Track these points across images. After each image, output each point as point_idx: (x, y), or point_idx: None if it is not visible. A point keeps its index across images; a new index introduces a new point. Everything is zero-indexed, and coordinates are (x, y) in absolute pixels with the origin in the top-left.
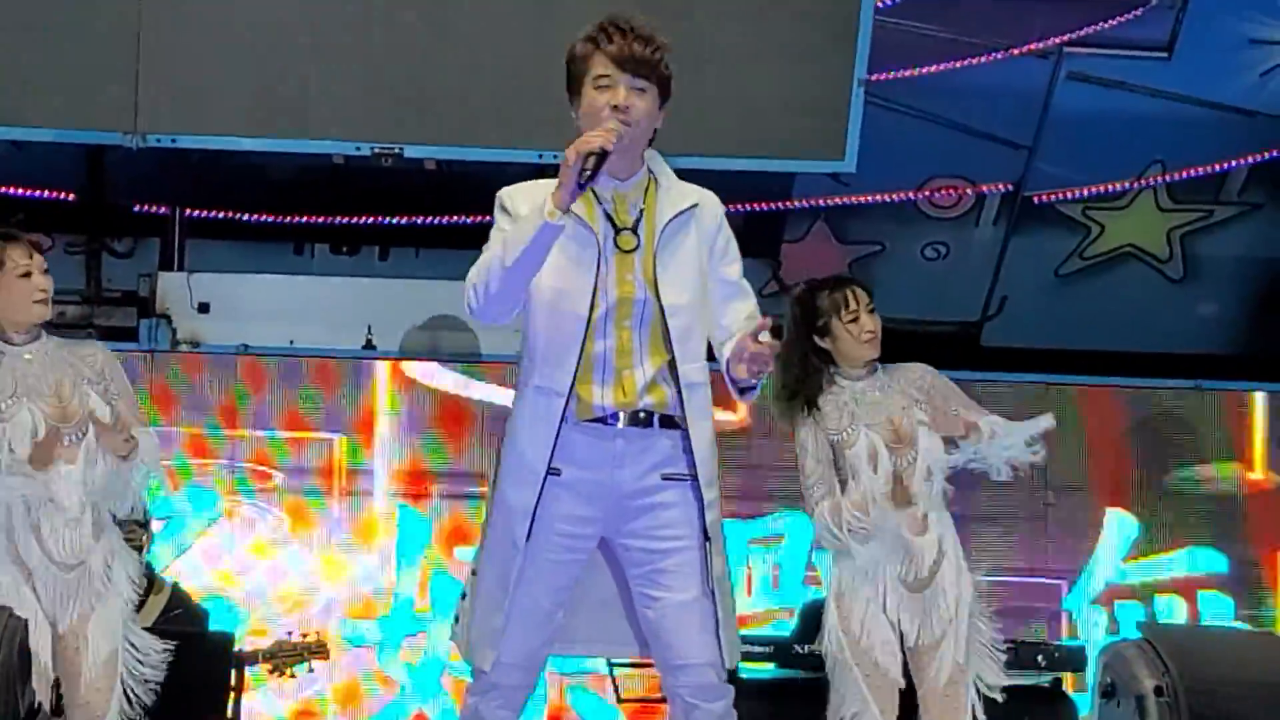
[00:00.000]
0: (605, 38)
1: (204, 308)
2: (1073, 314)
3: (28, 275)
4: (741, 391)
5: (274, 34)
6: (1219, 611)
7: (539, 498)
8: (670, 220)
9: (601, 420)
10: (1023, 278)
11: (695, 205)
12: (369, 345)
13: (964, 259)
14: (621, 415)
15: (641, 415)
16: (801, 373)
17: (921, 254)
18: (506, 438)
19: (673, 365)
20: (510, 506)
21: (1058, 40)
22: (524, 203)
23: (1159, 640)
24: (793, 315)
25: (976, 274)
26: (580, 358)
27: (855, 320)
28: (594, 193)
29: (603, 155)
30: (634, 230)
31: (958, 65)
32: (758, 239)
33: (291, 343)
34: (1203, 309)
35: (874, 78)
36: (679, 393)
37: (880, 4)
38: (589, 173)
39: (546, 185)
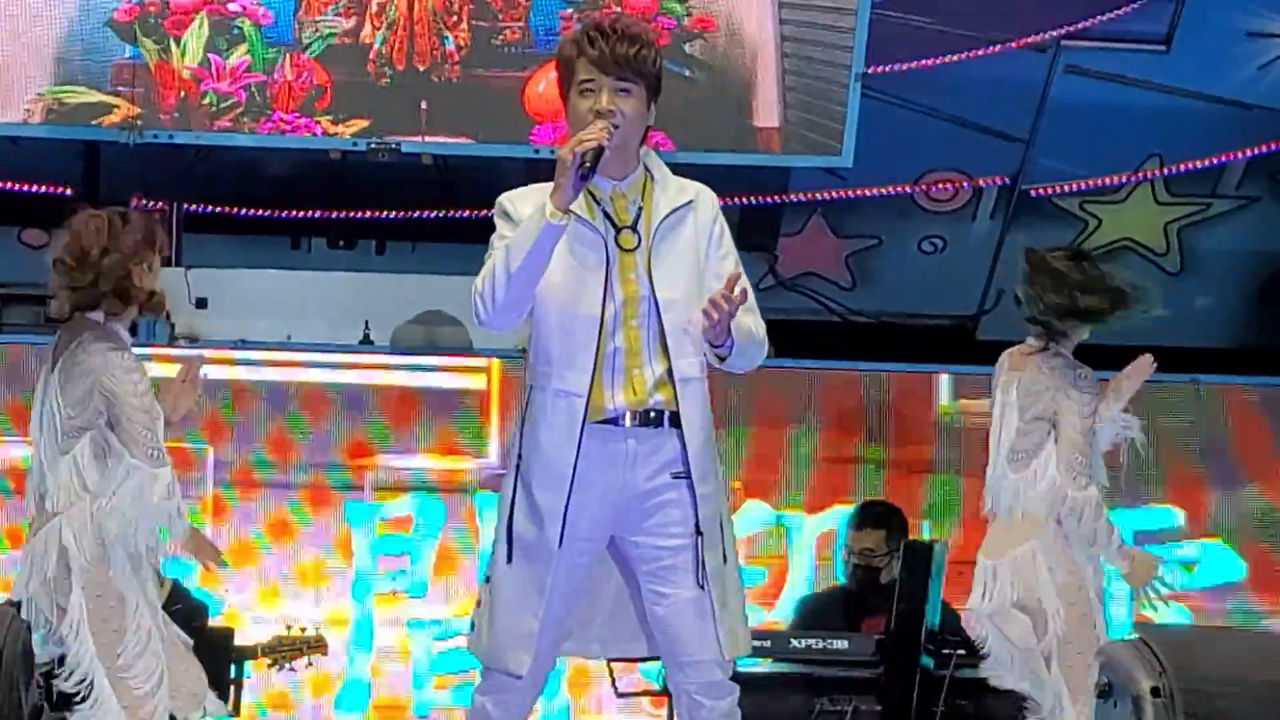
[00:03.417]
0: (588, 41)
1: (202, 303)
2: None
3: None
4: (720, 359)
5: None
6: None
7: (568, 500)
8: (666, 216)
9: (613, 421)
10: (1019, 272)
11: (691, 201)
12: (366, 340)
13: (961, 253)
14: (630, 415)
15: (652, 415)
16: (1066, 289)
17: (918, 247)
18: (524, 441)
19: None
20: (540, 510)
21: (1055, 33)
22: (525, 206)
23: (1155, 640)
24: (1063, 269)
25: (973, 267)
26: (594, 364)
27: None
28: (592, 194)
29: (599, 151)
30: (633, 228)
31: (955, 58)
32: (755, 232)
33: (289, 337)
34: (1198, 302)
35: (871, 71)
36: (675, 388)
37: None
38: (588, 167)
39: (546, 189)
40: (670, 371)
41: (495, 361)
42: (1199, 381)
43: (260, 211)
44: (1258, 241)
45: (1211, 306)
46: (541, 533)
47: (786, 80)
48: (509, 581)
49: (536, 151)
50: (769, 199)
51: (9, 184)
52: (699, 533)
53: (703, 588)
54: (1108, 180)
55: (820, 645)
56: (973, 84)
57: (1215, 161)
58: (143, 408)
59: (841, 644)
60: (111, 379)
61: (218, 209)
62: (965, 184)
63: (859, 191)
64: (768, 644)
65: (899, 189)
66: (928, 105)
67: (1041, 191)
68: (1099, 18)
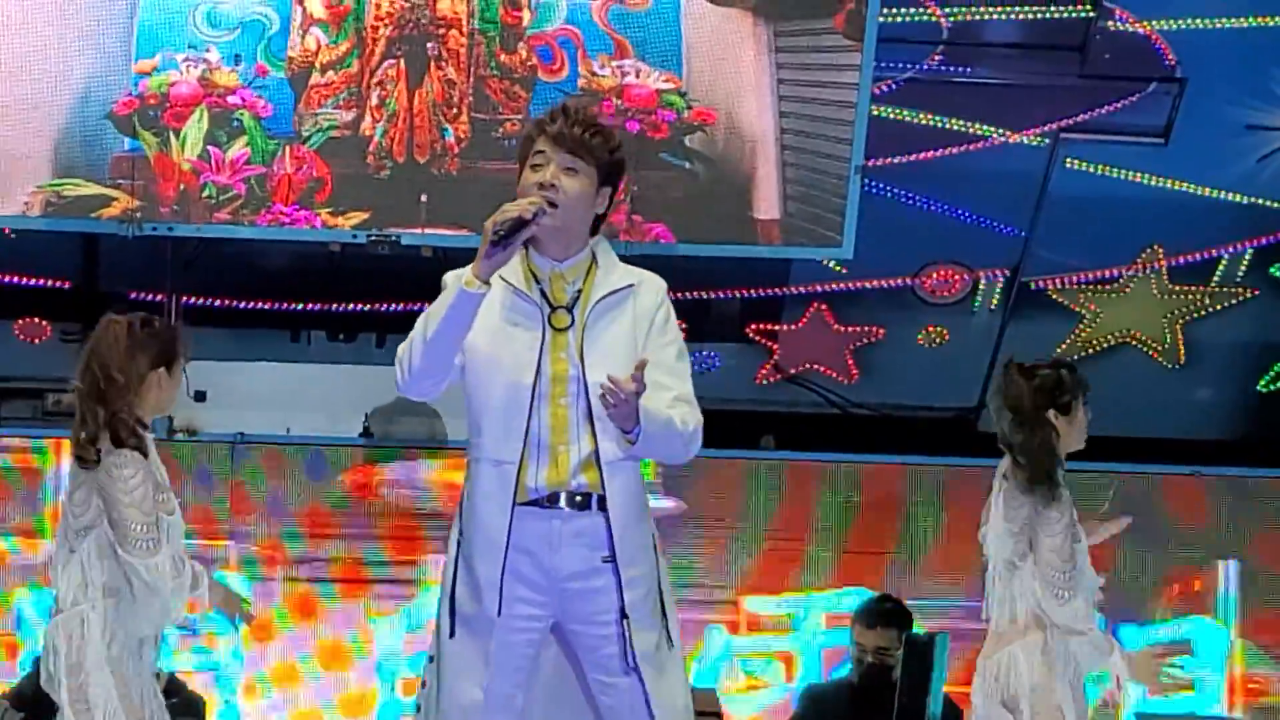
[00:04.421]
0: (549, 118)
1: (200, 396)
2: None
3: (183, 371)
4: (629, 443)
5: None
6: None
7: (503, 570)
8: (601, 299)
9: (537, 503)
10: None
11: (632, 285)
12: (366, 433)
13: (961, 345)
14: (554, 495)
15: (578, 498)
16: (1047, 444)
17: (918, 340)
18: (464, 514)
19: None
20: (479, 581)
21: (1055, 126)
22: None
23: None
24: (1036, 385)
25: (974, 360)
26: (525, 430)
27: (1086, 405)
28: (533, 272)
29: (519, 224)
30: (569, 309)
31: (954, 151)
32: (754, 324)
33: (288, 430)
34: (1199, 394)
35: (871, 164)
36: (600, 471)
37: (877, 90)
38: (501, 236)
39: None
40: (597, 454)
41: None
42: (1201, 473)
43: (259, 304)
44: (1258, 333)
45: (1213, 398)
46: (481, 605)
47: (787, 173)
48: (452, 655)
49: None
50: (769, 291)
51: (7, 277)
52: (624, 615)
53: (633, 672)
54: (1108, 273)
55: None
56: (973, 177)
57: (1215, 254)
58: (133, 503)
59: None
60: (106, 477)
61: (217, 302)
62: (965, 276)
63: (859, 284)
64: None
65: (899, 281)
66: (928, 198)
67: (1042, 284)
68: (1098, 111)
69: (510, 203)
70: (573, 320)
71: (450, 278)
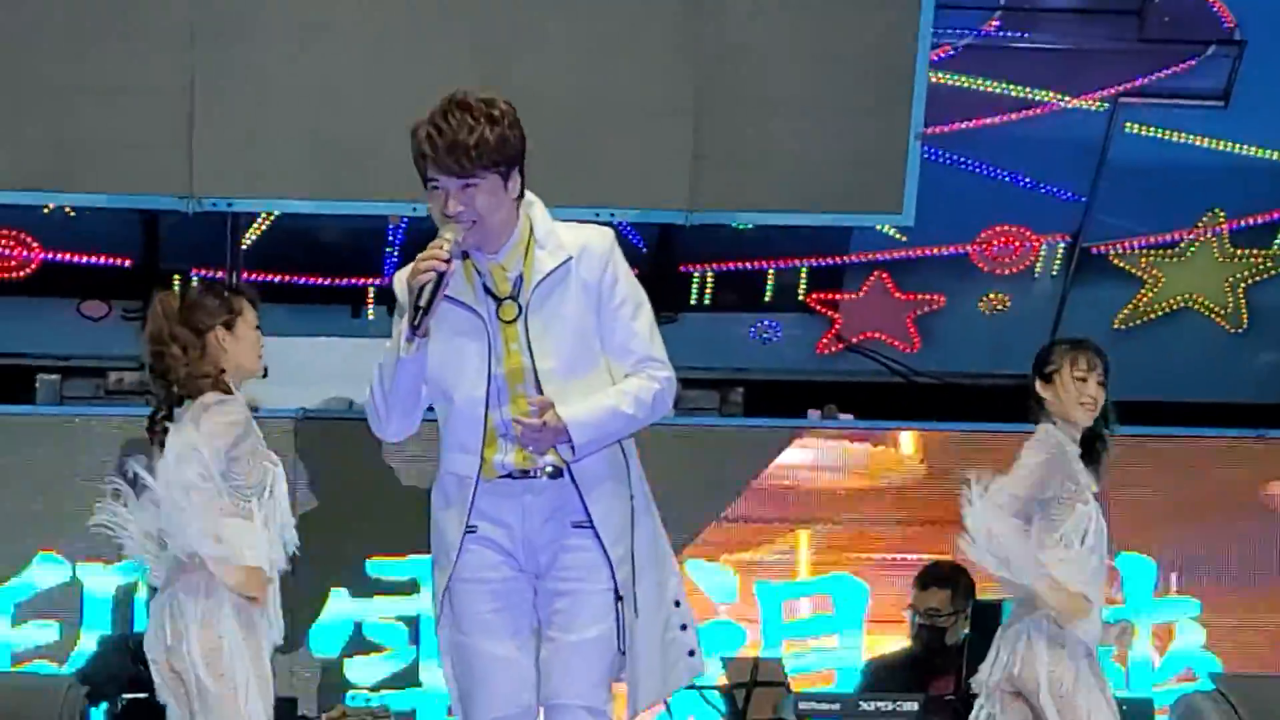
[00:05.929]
0: (428, 140)
1: (262, 372)
2: (1133, 365)
3: (258, 329)
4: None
5: (330, 94)
6: None
7: (449, 579)
8: (540, 283)
9: (509, 475)
10: (1082, 329)
11: (570, 258)
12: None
13: (1023, 311)
14: (528, 472)
15: (550, 469)
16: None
17: (980, 307)
18: (433, 519)
19: None
20: (435, 585)
21: (1114, 90)
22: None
23: (1233, 691)
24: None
25: (1036, 326)
26: (484, 435)
27: (1084, 380)
28: (475, 266)
29: (439, 281)
30: (514, 298)
31: (1014, 117)
32: (815, 293)
33: (351, 405)
34: (1263, 358)
35: (930, 131)
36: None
37: (935, 57)
38: (429, 302)
39: None
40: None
41: None
42: (1266, 436)
43: (320, 280)
44: None
45: (1276, 362)
46: (436, 602)
47: (846, 140)
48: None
49: (597, 214)
50: (830, 260)
51: (68, 256)
52: (618, 597)
53: (625, 653)
54: (1169, 237)
55: (890, 708)
56: (1032, 142)
57: (1277, 216)
58: (210, 431)
59: (912, 706)
60: (203, 412)
61: (277, 278)
62: (1027, 243)
63: (920, 251)
64: (837, 707)
65: (960, 248)
66: (987, 164)
67: (1103, 249)
68: (1157, 75)
69: (423, 254)
70: (520, 309)
71: (399, 286)
